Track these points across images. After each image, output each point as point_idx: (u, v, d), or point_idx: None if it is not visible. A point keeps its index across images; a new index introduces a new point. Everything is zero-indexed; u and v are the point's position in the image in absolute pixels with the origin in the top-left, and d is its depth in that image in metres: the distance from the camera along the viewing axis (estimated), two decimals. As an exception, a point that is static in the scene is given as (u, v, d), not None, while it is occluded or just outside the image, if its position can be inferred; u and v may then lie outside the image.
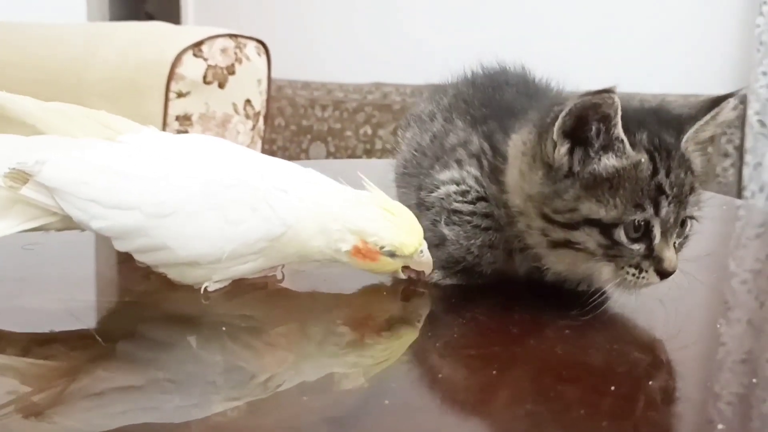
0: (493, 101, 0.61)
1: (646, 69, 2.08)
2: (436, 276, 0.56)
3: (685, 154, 0.50)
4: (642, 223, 0.48)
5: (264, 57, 1.34)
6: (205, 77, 1.22)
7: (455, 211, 0.55)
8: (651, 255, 0.49)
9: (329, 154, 2.48)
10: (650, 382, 0.43)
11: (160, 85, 1.18)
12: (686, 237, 0.52)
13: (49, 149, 0.51)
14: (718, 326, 0.54)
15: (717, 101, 0.52)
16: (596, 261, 0.49)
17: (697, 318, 0.55)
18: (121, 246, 0.51)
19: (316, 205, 0.51)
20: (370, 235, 0.51)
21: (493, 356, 0.46)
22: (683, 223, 0.50)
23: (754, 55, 2.09)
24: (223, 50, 1.25)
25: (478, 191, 0.55)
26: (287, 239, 0.51)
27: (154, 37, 1.26)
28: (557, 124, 0.48)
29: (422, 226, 0.53)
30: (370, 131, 2.45)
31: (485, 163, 0.55)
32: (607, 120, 0.48)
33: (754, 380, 0.44)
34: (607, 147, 0.48)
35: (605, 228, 0.48)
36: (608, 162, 0.48)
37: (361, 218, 0.51)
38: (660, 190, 0.48)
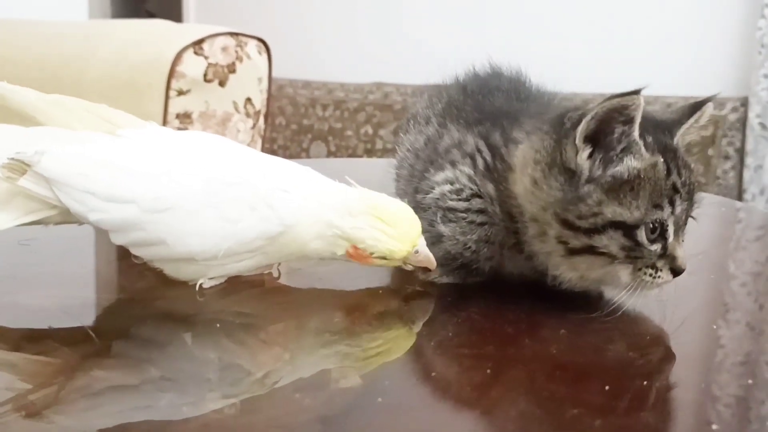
0: (484, 107, 0.61)
1: (647, 71, 2.08)
2: (434, 274, 0.56)
3: (683, 155, 0.52)
4: (658, 223, 0.49)
5: (265, 56, 1.34)
6: (205, 75, 1.21)
7: (450, 209, 0.55)
8: (665, 254, 0.50)
9: (330, 154, 2.48)
10: (645, 383, 0.43)
11: (161, 83, 1.18)
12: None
13: (48, 141, 0.51)
14: (715, 327, 0.54)
15: (698, 105, 0.53)
16: (616, 264, 0.50)
17: (695, 319, 0.55)
18: (118, 239, 0.51)
19: (315, 208, 0.51)
20: (360, 243, 0.51)
21: (487, 355, 0.46)
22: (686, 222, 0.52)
23: (755, 57, 2.09)
24: (224, 48, 1.24)
25: (471, 189, 0.55)
26: (287, 239, 0.51)
27: (154, 35, 1.26)
28: (580, 128, 0.49)
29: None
30: (370, 131, 2.45)
31: (480, 161, 0.56)
32: (631, 122, 0.48)
33: (750, 381, 0.44)
34: (626, 149, 0.49)
35: (628, 230, 0.49)
36: (630, 164, 0.49)
37: (353, 228, 0.51)
38: (675, 189, 0.50)
